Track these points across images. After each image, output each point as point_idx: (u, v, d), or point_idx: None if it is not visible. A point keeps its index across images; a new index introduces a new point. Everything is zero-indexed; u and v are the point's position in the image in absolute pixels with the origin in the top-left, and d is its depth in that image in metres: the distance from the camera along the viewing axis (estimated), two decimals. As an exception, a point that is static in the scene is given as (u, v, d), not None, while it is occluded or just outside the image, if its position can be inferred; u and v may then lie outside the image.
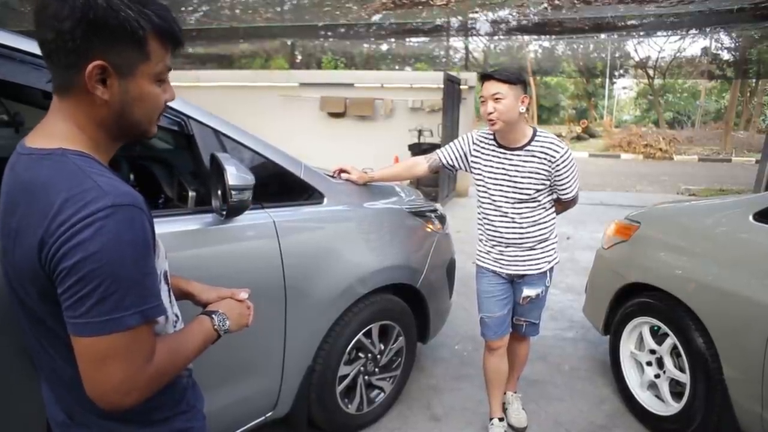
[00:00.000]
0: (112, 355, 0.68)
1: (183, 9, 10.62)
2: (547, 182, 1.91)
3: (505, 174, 1.92)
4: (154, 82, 0.76)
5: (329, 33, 11.14)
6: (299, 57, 13.80)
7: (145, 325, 0.70)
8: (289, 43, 12.35)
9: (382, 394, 2.28)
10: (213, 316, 0.90)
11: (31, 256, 0.68)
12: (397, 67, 15.38)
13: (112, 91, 0.72)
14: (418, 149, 7.41)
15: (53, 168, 0.70)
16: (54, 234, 0.65)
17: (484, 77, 1.86)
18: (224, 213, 1.40)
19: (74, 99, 0.73)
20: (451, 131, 7.69)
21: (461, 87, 8.32)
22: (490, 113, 1.81)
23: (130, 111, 0.75)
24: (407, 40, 12.97)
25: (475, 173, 2.03)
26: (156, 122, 0.82)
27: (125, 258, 0.67)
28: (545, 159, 1.86)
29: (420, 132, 7.96)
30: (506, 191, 1.93)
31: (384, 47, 14.13)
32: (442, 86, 7.45)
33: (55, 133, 0.74)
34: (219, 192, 1.38)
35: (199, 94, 8.13)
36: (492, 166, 1.95)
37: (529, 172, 1.88)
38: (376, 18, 9.94)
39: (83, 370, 0.69)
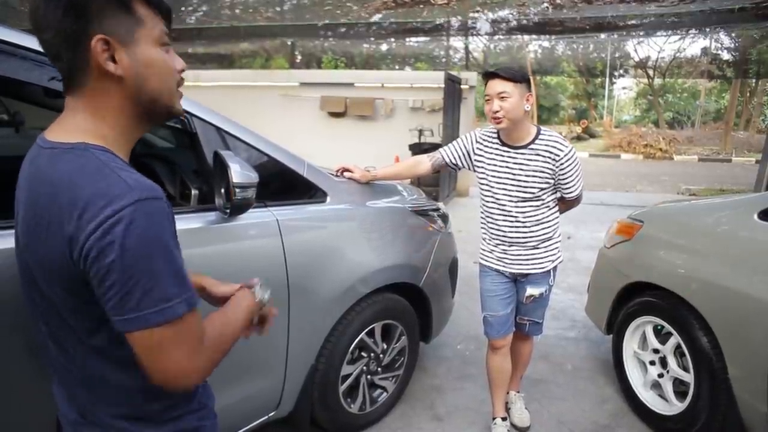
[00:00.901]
0: (168, 344, 0.70)
1: (183, 9, 10.62)
2: (551, 181, 1.91)
3: (509, 172, 1.91)
4: (158, 46, 0.76)
5: (329, 33, 11.14)
6: (299, 57, 13.79)
7: (192, 310, 0.72)
8: (289, 42, 12.35)
9: (385, 393, 2.27)
10: (252, 288, 0.94)
11: (61, 251, 0.68)
12: (397, 67, 15.39)
13: (123, 63, 0.72)
14: (418, 149, 7.40)
15: (77, 163, 0.69)
16: (85, 230, 0.65)
17: (489, 75, 1.85)
18: (228, 211, 1.39)
19: (90, 90, 0.73)
20: (451, 131, 7.69)
21: (462, 87, 8.32)
22: (496, 111, 1.80)
23: (146, 81, 0.75)
24: (407, 39, 12.98)
25: (478, 172, 2.02)
26: (177, 94, 0.81)
27: (159, 250, 0.68)
28: (549, 157, 1.85)
29: (420, 132, 7.96)
30: (510, 190, 1.92)
31: (384, 47, 14.14)
32: (442, 86, 7.44)
33: (76, 127, 0.73)
34: (222, 190, 1.37)
35: (199, 93, 8.11)
36: (496, 165, 1.94)
37: (533, 171, 1.87)
38: (376, 18, 9.94)
39: (145, 362, 0.71)
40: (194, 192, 1.65)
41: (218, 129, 1.55)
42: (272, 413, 1.79)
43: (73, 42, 0.70)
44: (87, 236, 0.65)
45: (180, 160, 1.77)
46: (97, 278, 0.66)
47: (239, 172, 1.27)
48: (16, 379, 1.16)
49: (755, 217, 1.96)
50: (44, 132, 0.76)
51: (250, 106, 8.47)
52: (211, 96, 8.30)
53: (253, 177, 1.33)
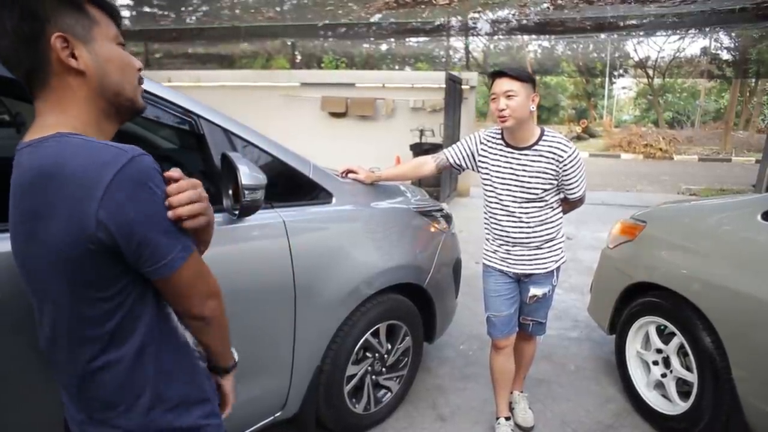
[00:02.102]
0: (197, 275, 0.80)
1: (183, 9, 10.62)
2: (555, 182, 1.91)
3: (512, 173, 1.92)
4: (115, 43, 0.80)
5: (330, 33, 11.14)
6: (300, 57, 13.79)
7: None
8: (289, 43, 12.34)
9: (389, 393, 2.28)
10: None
11: (69, 231, 0.70)
12: (397, 67, 15.39)
13: (83, 59, 0.76)
14: (419, 149, 7.41)
15: (58, 147, 0.71)
16: (95, 199, 0.68)
17: (496, 74, 1.86)
18: (237, 213, 1.40)
19: (54, 88, 0.76)
20: (452, 131, 7.69)
21: (462, 87, 8.32)
22: (502, 110, 1.81)
23: (108, 75, 0.78)
24: (407, 40, 12.97)
25: (482, 172, 2.02)
26: (138, 89, 0.84)
27: (163, 198, 0.74)
28: (553, 159, 1.86)
29: (422, 132, 7.96)
30: (514, 190, 1.93)
31: (384, 47, 14.13)
32: (443, 86, 7.45)
33: (48, 124, 0.76)
34: (230, 192, 1.38)
35: (200, 94, 8.11)
36: (500, 166, 1.95)
37: (537, 172, 1.88)
38: (376, 18, 9.94)
39: (186, 297, 0.81)
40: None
41: (225, 131, 1.56)
42: (278, 414, 1.80)
43: (33, 42, 0.73)
44: (98, 202, 0.68)
45: (186, 162, 1.78)
46: (123, 238, 0.70)
47: (248, 174, 1.28)
48: (23, 379, 1.17)
49: (758, 218, 1.97)
50: (21, 140, 0.78)
51: (251, 107, 8.46)
52: (212, 96, 8.29)
53: (262, 179, 1.33)
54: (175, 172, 0.79)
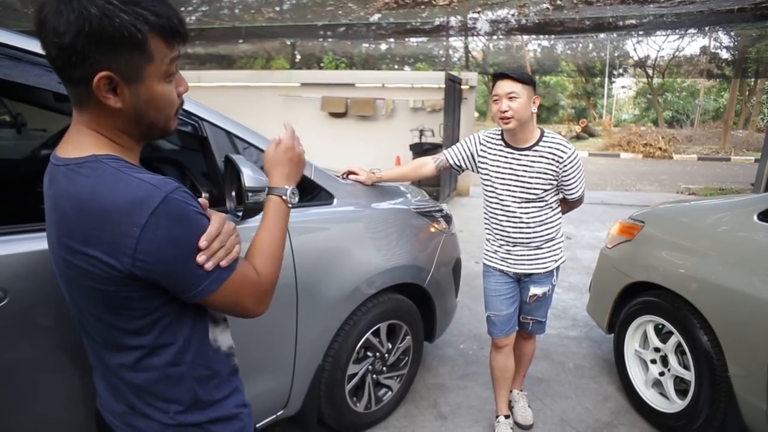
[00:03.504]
0: (239, 287, 0.81)
1: (183, 9, 10.62)
2: (554, 182, 1.94)
3: (512, 174, 1.94)
4: (164, 80, 0.76)
5: (329, 33, 11.15)
6: (299, 57, 13.80)
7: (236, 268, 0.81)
8: (289, 43, 12.36)
9: (390, 392, 2.30)
10: (280, 195, 0.97)
11: (102, 262, 0.71)
12: (396, 67, 15.40)
13: (124, 98, 0.73)
14: (419, 149, 7.43)
15: (94, 176, 0.72)
16: (130, 236, 0.69)
17: (498, 76, 1.88)
18: (240, 214, 1.42)
19: (92, 110, 0.75)
20: (452, 131, 7.71)
21: (462, 87, 8.34)
22: (505, 111, 1.83)
23: (145, 114, 0.77)
24: (407, 39, 12.98)
25: (482, 173, 2.05)
26: (174, 118, 0.83)
27: (199, 231, 0.75)
28: (553, 159, 1.88)
29: (421, 132, 7.98)
30: (514, 191, 1.95)
31: (384, 47, 14.14)
32: (443, 86, 7.47)
33: (84, 142, 0.76)
34: (233, 193, 1.40)
35: (200, 94, 8.12)
36: (500, 166, 1.97)
37: (537, 172, 1.90)
38: (376, 18, 9.95)
39: (232, 309, 0.83)
40: (204, 195, 1.67)
41: (228, 133, 1.58)
42: (280, 412, 1.82)
43: (79, 69, 0.69)
44: (135, 241, 0.69)
45: (190, 164, 1.80)
46: (159, 273, 0.72)
47: (251, 177, 1.29)
48: (57, 372, 1.20)
49: (755, 218, 1.99)
50: (56, 149, 0.79)
51: (251, 107, 8.49)
52: (212, 96, 8.30)
53: (264, 181, 1.34)
54: (203, 201, 0.81)
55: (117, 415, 0.87)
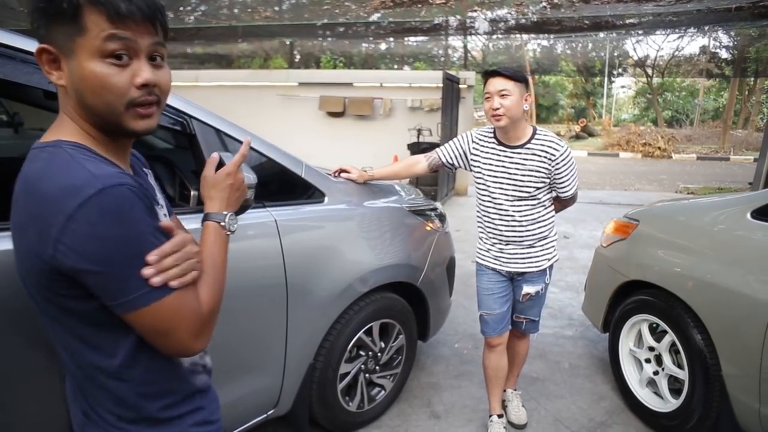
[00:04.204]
0: (170, 318, 0.72)
1: (181, 8, 10.62)
2: (547, 180, 1.93)
3: (505, 171, 1.93)
4: (96, 58, 0.69)
5: (328, 32, 11.15)
6: (298, 56, 13.80)
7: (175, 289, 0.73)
8: (287, 42, 12.36)
9: (383, 391, 2.29)
10: (218, 221, 0.87)
11: (36, 250, 0.68)
12: (395, 67, 15.40)
13: (64, 72, 0.71)
14: (417, 148, 7.42)
15: (47, 159, 0.70)
16: (54, 225, 0.65)
17: (490, 74, 1.88)
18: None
19: (59, 93, 0.76)
20: (450, 130, 7.70)
21: (460, 86, 8.33)
22: (496, 109, 1.83)
23: (83, 95, 0.71)
24: (406, 39, 12.98)
25: (475, 171, 2.04)
26: (128, 113, 0.73)
27: (131, 235, 0.68)
28: (545, 157, 1.88)
29: (419, 131, 7.97)
30: (506, 189, 1.94)
31: (383, 46, 14.14)
32: (441, 85, 7.46)
33: (58, 128, 0.76)
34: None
35: (198, 93, 8.14)
36: (492, 164, 1.96)
37: (530, 170, 1.90)
38: (374, 17, 9.95)
39: (158, 337, 0.74)
40: (193, 193, 1.66)
41: (217, 131, 1.57)
42: (271, 411, 1.81)
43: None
44: (59, 230, 0.65)
45: (179, 162, 1.78)
46: (80, 273, 0.67)
47: (238, 174, 1.29)
48: (28, 376, 1.19)
49: (748, 216, 1.98)
50: None
51: (249, 106, 8.49)
52: (210, 96, 8.32)
53: (252, 178, 1.33)
54: (169, 224, 0.75)
55: (77, 423, 0.84)
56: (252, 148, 1.69)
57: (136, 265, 0.68)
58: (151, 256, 0.69)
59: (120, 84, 0.71)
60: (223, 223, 0.87)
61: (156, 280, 0.69)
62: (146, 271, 0.68)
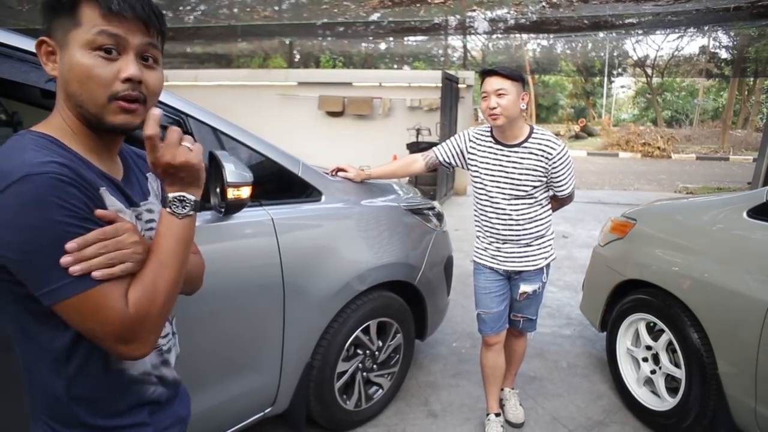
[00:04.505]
0: (89, 315, 0.67)
1: (181, 8, 10.62)
2: (544, 179, 1.93)
3: (502, 170, 1.94)
4: (86, 49, 0.71)
5: (327, 32, 11.15)
6: (297, 56, 13.80)
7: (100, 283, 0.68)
8: (287, 42, 12.36)
9: (381, 390, 2.29)
10: (169, 206, 0.77)
11: None
12: (395, 66, 15.38)
13: (58, 63, 0.75)
14: (416, 148, 7.42)
15: (4, 146, 0.71)
16: None
17: (487, 73, 1.88)
18: (223, 210, 1.41)
19: (56, 86, 0.77)
20: (449, 130, 7.70)
21: (459, 86, 8.34)
22: (493, 108, 1.83)
23: (69, 85, 0.73)
24: (405, 39, 12.98)
25: (472, 170, 2.04)
26: (110, 107, 0.73)
27: (50, 226, 0.65)
28: (542, 156, 1.88)
29: (418, 131, 7.98)
30: (503, 188, 1.94)
31: (382, 46, 14.13)
32: (440, 85, 7.46)
33: (44, 120, 0.78)
34: (218, 189, 1.39)
35: (197, 93, 8.14)
36: (489, 163, 1.97)
37: (527, 169, 1.90)
38: (374, 17, 9.95)
39: (93, 340, 0.70)
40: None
41: (214, 129, 1.57)
42: (268, 409, 1.81)
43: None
44: None
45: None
46: (4, 261, 0.66)
47: (233, 172, 1.29)
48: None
49: (744, 215, 1.98)
50: None
51: (248, 106, 8.50)
52: (209, 95, 8.33)
53: (248, 176, 1.35)
54: (108, 213, 0.71)
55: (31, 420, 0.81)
56: (249, 147, 1.69)
57: (55, 254, 0.65)
58: (71, 244, 0.65)
59: (104, 75, 0.72)
60: (169, 210, 0.76)
61: (75, 269, 0.65)
62: (64, 259, 0.65)
